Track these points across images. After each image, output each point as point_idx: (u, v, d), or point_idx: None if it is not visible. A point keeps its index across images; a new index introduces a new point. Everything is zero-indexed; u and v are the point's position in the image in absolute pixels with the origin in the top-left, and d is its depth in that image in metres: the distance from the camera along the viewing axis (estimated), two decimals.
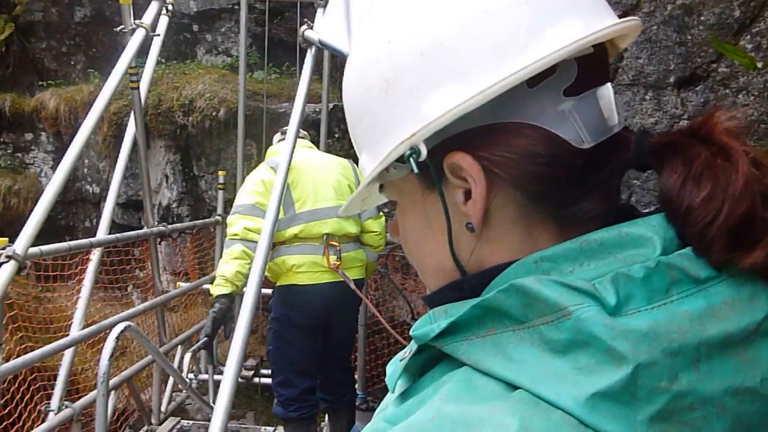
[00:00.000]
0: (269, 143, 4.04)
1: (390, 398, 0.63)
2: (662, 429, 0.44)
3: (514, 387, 0.47)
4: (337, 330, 3.29)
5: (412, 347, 0.59)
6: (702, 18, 1.27)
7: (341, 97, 0.64)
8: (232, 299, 3.09)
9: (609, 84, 0.59)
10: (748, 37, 1.17)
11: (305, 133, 3.72)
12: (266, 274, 3.18)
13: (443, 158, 0.56)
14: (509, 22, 0.53)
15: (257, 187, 3.14)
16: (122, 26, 3.18)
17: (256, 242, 2.64)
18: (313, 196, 3.19)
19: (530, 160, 0.54)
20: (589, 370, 0.45)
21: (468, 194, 0.56)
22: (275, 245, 3.16)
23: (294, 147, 2.75)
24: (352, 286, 3.10)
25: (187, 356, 3.18)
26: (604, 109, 0.56)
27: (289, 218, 3.14)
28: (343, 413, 3.52)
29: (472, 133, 0.55)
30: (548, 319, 0.48)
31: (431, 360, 0.58)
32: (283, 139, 3.42)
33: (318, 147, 4.85)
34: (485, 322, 0.52)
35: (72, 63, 7.53)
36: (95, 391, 2.83)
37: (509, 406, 0.46)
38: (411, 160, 0.54)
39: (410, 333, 0.58)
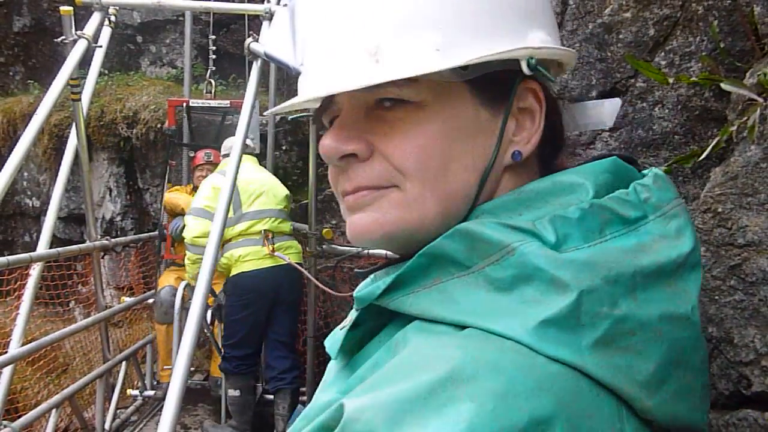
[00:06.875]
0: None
1: (333, 371, 0.63)
2: (605, 353, 0.47)
3: (462, 328, 0.49)
4: (280, 306, 3.88)
5: (352, 317, 0.59)
6: (620, 36, 1.35)
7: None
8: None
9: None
10: (662, 54, 1.26)
11: (253, 146, 4.19)
12: (220, 269, 3.80)
13: (519, 83, 0.59)
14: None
15: (208, 192, 3.77)
16: (63, 37, 3.13)
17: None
18: (256, 198, 3.82)
19: (552, 109, 0.62)
20: (535, 301, 0.47)
21: (519, 125, 0.60)
22: (223, 244, 3.73)
23: (241, 155, 2.86)
24: (291, 261, 3.74)
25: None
26: None
27: (237, 217, 3.75)
28: (287, 395, 3.88)
29: (539, 76, 0.59)
30: (493, 259, 0.50)
31: (375, 327, 0.58)
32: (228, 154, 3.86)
33: (265, 159, 4.87)
34: (430, 272, 0.53)
35: (11, 74, 7.34)
36: (35, 410, 2.76)
37: (457, 341, 0.48)
38: (525, 63, 0.56)
39: (354, 295, 0.58)
